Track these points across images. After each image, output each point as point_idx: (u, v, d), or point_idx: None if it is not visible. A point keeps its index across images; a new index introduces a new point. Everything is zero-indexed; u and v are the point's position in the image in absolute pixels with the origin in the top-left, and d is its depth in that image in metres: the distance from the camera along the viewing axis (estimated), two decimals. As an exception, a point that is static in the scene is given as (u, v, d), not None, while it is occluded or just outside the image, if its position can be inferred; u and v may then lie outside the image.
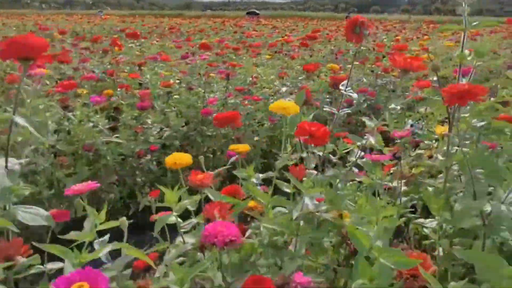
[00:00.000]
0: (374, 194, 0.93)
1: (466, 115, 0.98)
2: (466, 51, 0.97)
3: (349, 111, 1.19)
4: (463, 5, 0.97)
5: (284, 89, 2.59)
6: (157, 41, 5.35)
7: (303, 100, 1.07)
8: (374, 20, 27.60)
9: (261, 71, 3.20)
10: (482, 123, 0.98)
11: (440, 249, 0.88)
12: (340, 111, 1.15)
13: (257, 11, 28.19)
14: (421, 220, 0.97)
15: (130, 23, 12.05)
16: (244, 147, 1.05)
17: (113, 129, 1.99)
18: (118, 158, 1.94)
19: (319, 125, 0.90)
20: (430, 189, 1.03)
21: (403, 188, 1.15)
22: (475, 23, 1.01)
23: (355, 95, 1.18)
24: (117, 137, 1.91)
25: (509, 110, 1.04)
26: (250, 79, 2.93)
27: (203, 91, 2.47)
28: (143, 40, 4.83)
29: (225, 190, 0.92)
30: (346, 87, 1.14)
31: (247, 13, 28.47)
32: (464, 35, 0.99)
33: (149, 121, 2.12)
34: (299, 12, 45.70)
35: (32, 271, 0.77)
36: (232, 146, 1.07)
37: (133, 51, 3.76)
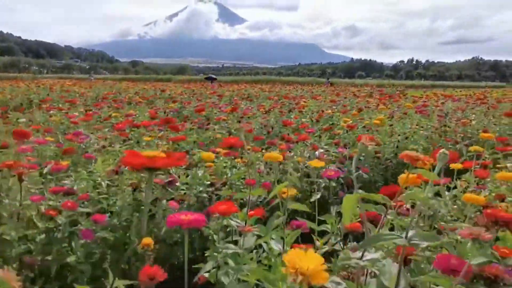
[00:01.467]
0: None
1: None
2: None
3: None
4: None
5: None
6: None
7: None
8: (349, 84, 28.86)
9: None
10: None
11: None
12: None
13: (214, 76, 30.25)
14: None
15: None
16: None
17: None
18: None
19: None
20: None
21: None
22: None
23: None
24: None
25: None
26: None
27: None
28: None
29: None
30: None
31: (206, 79, 30.03)
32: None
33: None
34: (274, 77, 47.92)
35: None
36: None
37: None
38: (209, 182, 1.92)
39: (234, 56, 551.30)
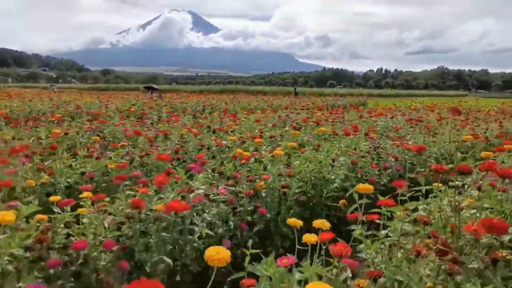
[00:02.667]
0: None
1: None
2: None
3: None
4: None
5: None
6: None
7: None
8: (316, 94, 28.69)
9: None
10: None
11: None
12: None
13: (155, 86, 28.38)
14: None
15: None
16: None
17: None
18: None
19: None
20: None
21: None
22: None
23: None
24: None
25: None
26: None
27: None
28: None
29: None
30: None
31: (145, 88, 28.26)
32: None
33: None
34: (241, 86, 48.05)
35: None
36: None
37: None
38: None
39: (208, 64, 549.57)
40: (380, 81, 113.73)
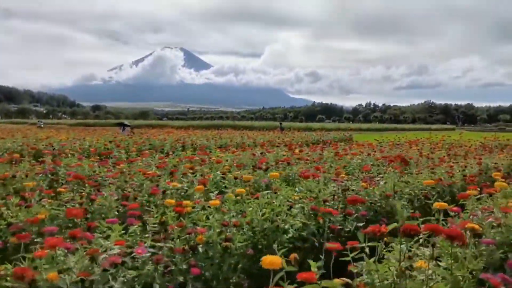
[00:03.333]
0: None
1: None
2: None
3: None
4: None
5: None
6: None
7: None
8: (301, 129, 28.50)
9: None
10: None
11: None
12: None
13: (127, 123, 27.54)
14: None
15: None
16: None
17: None
18: None
19: None
20: None
21: None
22: None
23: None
24: None
25: None
26: None
27: None
28: None
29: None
30: None
31: (117, 125, 27.73)
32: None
33: None
34: (229, 121, 48.43)
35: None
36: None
37: None
38: None
39: (200, 100, 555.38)
40: (369, 115, 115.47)
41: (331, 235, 3.09)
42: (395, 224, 1.53)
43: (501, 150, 10.05)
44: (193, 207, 2.66)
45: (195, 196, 2.93)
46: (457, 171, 5.78)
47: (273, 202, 2.88)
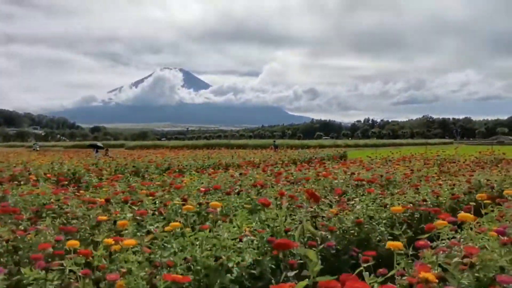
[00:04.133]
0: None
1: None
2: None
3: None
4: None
5: None
6: None
7: None
8: (295, 147, 28.05)
9: None
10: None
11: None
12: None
13: (100, 144, 25.45)
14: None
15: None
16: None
17: None
18: None
19: None
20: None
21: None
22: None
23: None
24: None
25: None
26: None
27: None
28: None
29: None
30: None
31: (89, 146, 26.32)
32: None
33: None
34: (224, 140, 48.19)
35: None
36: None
37: None
38: None
39: (199, 120, 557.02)
40: (367, 131, 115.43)
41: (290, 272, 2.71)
42: (305, 282, 1.18)
43: (496, 165, 9.68)
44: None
45: (126, 231, 2.56)
46: (445, 189, 5.41)
47: (219, 236, 2.51)
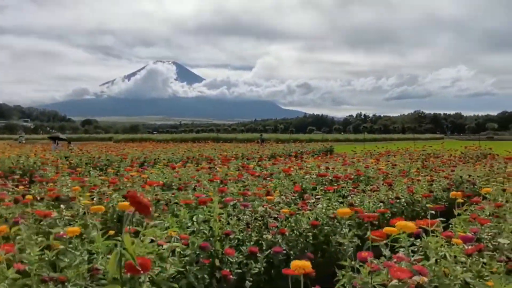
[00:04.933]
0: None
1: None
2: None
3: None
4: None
5: None
6: None
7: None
8: (284, 141, 27.59)
9: None
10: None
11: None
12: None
13: (62, 136, 22.98)
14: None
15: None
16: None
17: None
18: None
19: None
20: None
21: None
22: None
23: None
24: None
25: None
26: None
27: None
28: None
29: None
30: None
31: (49, 138, 22.98)
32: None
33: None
34: (212, 134, 47.46)
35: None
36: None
37: None
38: None
39: (192, 113, 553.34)
40: (359, 125, 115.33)
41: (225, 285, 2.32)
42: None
43: (481, 160, 9.38)
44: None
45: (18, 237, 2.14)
46: (423, 186, 5.06)
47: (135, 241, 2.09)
